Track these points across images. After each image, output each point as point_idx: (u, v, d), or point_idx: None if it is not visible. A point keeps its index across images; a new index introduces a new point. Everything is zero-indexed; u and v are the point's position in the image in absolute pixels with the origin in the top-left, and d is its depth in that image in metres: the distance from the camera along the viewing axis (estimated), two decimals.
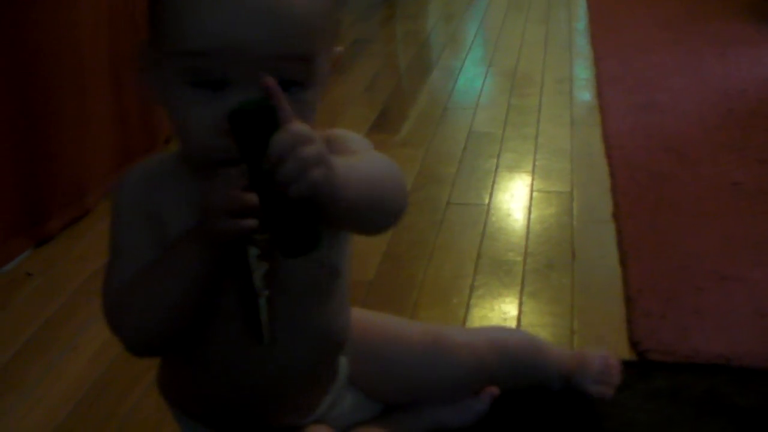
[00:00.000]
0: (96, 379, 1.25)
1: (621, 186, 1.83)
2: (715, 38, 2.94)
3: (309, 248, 0.73)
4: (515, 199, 1.84)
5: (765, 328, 1.33)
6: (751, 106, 2.29)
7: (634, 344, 1.30)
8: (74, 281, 1.51)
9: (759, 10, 3.21)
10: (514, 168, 2.00)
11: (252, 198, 0.73)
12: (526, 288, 1.48)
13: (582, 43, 3.04)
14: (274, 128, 0.70)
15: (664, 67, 2.67)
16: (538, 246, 1.63)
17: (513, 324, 1.37)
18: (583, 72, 2.71)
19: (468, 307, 1.42)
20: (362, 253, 1.54)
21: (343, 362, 1.02)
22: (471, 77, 2.74)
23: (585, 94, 2.51)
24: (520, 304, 1.43)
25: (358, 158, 0.83)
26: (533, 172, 1.97)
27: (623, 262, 1.54)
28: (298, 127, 0.71)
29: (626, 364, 1.23)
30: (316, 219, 0.73)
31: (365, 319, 1.07)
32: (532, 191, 1.87)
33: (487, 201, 1.82)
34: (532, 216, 1.75)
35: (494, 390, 1.13)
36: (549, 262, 1.56)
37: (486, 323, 1.38)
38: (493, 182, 1.92)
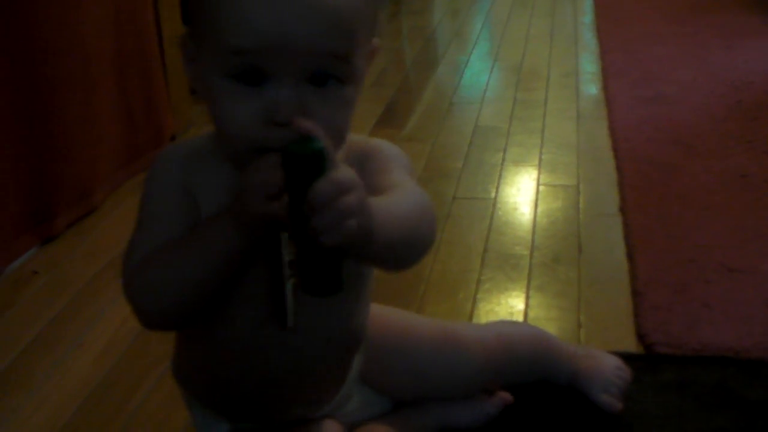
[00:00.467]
0: (102, 376, 1.25)
1: (628, 179, 1.83)
2: (722, 30, 2.93)
3: (331, 292, 0.73)
4: (522, 193, 1.83)
5: None
6: (759, 98, 2.28)
7: (641, 337, 1.30)
8: (80, 279, 1.51)
9: (765, 1, 3.20)
10: (521, 162, 1.99)
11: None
12: (533, 282, 1.48)
13: (588, 37, 3.03)
14: (319, 173, 0.69)
15: (671, 60, 2.66)
16: (544, 240, 1.62)
17: (520, 318, 1.37)
18: (589, 66, 2.70)
19: (475, 301, 1.42)
20: None
21: (357, 359, 1.02)
22: (477, 72, 2.73)
23: (591, 88, 2.50)
24: (527, 298, 1.43)
25: (395, 198, 0.81)
26: (539, 166, 1.96)
27: (630, 255, 1.53)
28: (342, 174, 0.70)
29: (634, 358, 1.22)
30: (343, 264, 0.73)
31: (376, 313, 1.06)
32: (538, 185, 1.86)
33: (493, 195, 1.82)
34: (539, 210, 1.75)
35: (508, 396, 1.13)
36: (556, 255, 1.56)
37: (493, 317, 1.37)
38: (500, 176, 1.91)
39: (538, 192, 1.83)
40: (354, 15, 0.77)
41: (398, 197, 0.82)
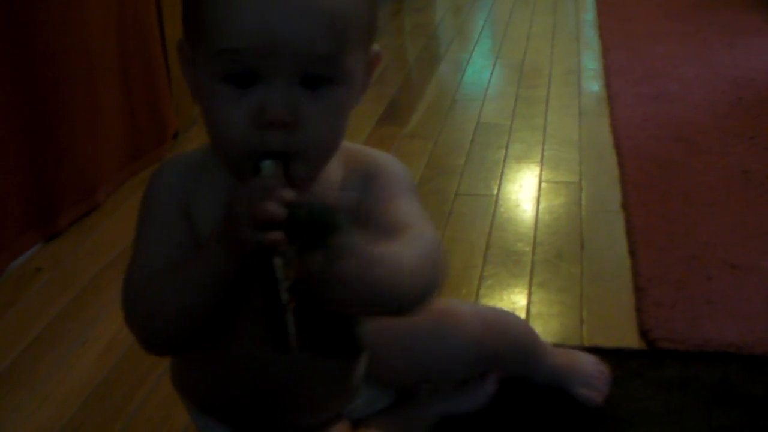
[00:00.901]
0: (105, 374, 1.25)
1: (630, 175, 1.83)
2: (724, 28, 2.93)
3: (350, 354, 0.73)
4: (524, 190, 1.83)
5: None
6: (761, 95, 2.28)
7: (643, 333, 1.30)
8: (84, 276, 1.51)
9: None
10: (523, 159, 1.99)
11: (279, 211, 0.70)
12: (535, 278, 1.48)
13: (590, 34, 3.03)
14: (324, 239, 0.70)
15: (673, 57, 2.66)
16: (547, 236, 1.62)
17: (522, 314, 1.37)
18: (591, 63, 2.70)
19: (477, 298, 1.42)
20: None
21: (363, 360, 1.01)
22: (479, 69, 2.73)
23: (593, 85, 2.50)
24: (530, 294, 1.43)
25: (401, 248, 0.79)
26: (542, 163, 1.96)
27: (632, 251, 1.53)
28: (346, 241, 0.70)
29: (636, 354, 1.22)
30: (355, 328, 0.73)
31: None
32: (540, 182, 1.86)
33: (495, 192, 1.82)
34: (541, 206, 1.75)
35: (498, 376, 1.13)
36: (558, 252, 1.56)
37: None
38: (502, 173, 1.91)
39: (540, 189, 1.83)
40: (345, 17, 0.76)
41: (405, 248, 0.79)
